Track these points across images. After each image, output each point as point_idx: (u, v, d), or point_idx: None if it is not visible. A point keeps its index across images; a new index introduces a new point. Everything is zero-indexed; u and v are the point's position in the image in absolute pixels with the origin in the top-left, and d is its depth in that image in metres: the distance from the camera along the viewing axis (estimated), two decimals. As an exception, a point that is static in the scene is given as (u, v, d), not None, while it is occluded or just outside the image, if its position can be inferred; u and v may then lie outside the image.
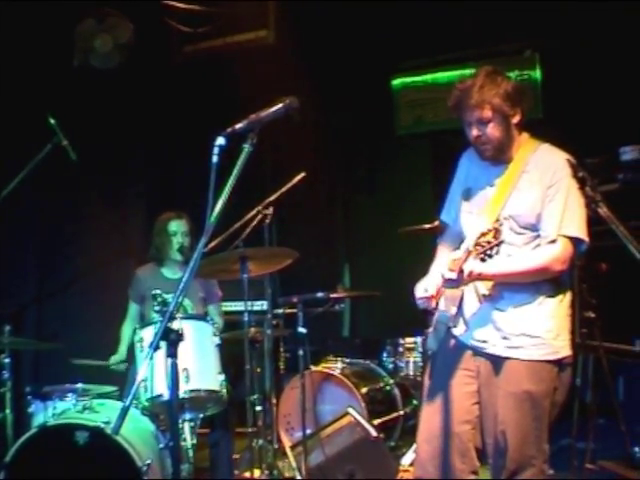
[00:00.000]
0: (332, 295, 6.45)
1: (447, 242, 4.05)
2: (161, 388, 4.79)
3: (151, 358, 3.02)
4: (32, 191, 6.41)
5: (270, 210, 5.58)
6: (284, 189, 5.65)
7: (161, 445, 5.00)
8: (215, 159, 3.05)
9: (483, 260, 3.44)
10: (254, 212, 5.57)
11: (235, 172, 3.08)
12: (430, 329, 3.93)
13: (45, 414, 5.07)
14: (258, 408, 5.47)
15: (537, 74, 7.53)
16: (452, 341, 3.87)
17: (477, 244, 3.43)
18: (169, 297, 5.45)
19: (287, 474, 5.79)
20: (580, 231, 3.64)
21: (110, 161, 7.43)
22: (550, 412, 3.71)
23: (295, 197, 5.61)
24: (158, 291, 5.58)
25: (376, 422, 5.99)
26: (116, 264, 7.23)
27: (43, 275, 7.35)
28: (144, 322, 5.61)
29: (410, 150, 8.26)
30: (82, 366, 5.72)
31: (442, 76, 7.94)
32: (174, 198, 7.27)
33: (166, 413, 5.00)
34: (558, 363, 3.70)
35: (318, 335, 6.65)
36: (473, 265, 3.51)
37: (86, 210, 7.46)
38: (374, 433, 5.40)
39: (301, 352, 5.86)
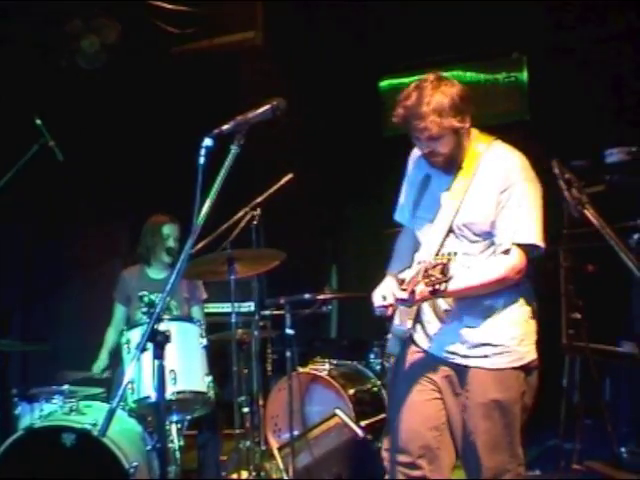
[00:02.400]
0: (319, 296, 6.44)
1: (404, 243, 3.98)
2: (148, 390, 4.79)
3: (138, 360, 3.01)
4: (18, 192, 6.39)
5: (257, 211, 5.59)
6: (271, 190, 5.65)
7: (148, 447, 4.99)
8: (202, 160, 3.05)
9: (433, 293, 3.32)
10: (241, 213, 5.58)
11: (222, 173, 3.08)
12: (390, 335, 3.85)
13: (32, 416, 5.07)
14: (245, 410, 5.47)
15: (524, 76, 7.55)
16: (414, 350, 3.79)
17: (426, 274, 3.30)
18: (155, 297, 5.46)
19: (274, 475, 5.79)
20: (535, 237, 3.57)
21: (96, 161, 7.41)
22: (520, 416, 3.67)
23: (282, 198, 5.61)
24: (145, 292, 5.59)
25: (364, 423, 5.98)
26: (102, 265, 7.22)
27: (29, 277, 7.34)
28: (131, 324, 5.60)
29: (397, 151, 8.26)
30: (69, 372, 5.70)
31: (429, 78, 7.94)
32: (160, 199, 7.25)
33: (153, 415, 4.99)
34: (524, 368, 3.67)
35: (305, 336, 6.66)
36: (425, 288, 3.38)
37: (72, 211, 7.45)
38: (362, 434, 5.40)
39: (288, 353, 5.85)
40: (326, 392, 6.22)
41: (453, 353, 3.66)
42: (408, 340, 3.79)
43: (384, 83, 8.20)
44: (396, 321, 3.75)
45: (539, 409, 6.57)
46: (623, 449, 5.50)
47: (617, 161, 5.55)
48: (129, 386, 4.86)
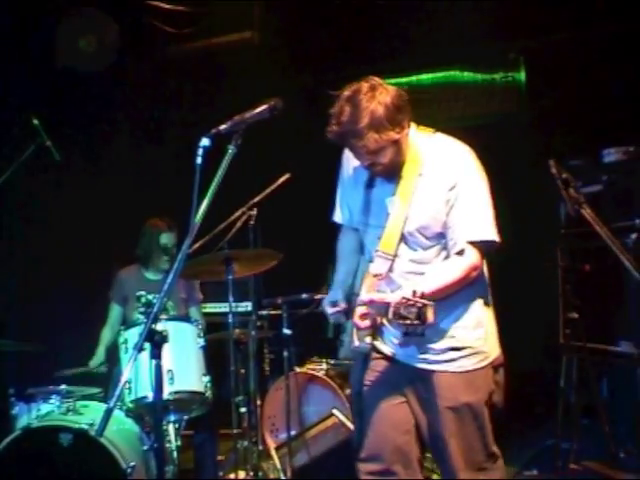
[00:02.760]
0: (317, 296, 6.43)
1: (348, 245, 3.89)
2: (145, 390, 4.79)
3: (135, 360, 3.01)
4: (15, 192, 6.39)
5: (255, 211, 5.59)
6: (269, 190, 5.65)
7: (145, 447, 4.99)
8: (199, 160, 3.05)
9: (406, 335, 3.20)
10: (239, 213, 5.58)
11: (219, 173, 3.09)
12: (345, 337, 3.72)
13: (29, 416, 5.06)
14: (243, 410, 5.47)
15: (521, 76, 7.56)
16: (376, 356, 3.69)
17: (397, 313, 3.13)
18: (152, 298, 5.45)
19: (272, 475, 5.79)
20: (489, 233, 3.46)
21: (92, 161, 7.41)
22: (490, 414, 3.60)
23: (279, 198, 5.61)
24: (142, 292, 5.58)
25: (361, 423, 5.99)
26: (98, 265, 7.20)
27: (26, 276, 7.32)
28: (128, 323, 5.60)
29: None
30: (67, 370, 5.69)
31: (426, 77, 7.96)
32: (159, 199, 7.24)
33: (151, 414, 4.99)
34: (491, 366, 3.60)
35: (303, 336, 6.65)
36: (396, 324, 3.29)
37: (68, 211, 7.43)
38: (359, 434, 5.40)
39: (286, 353, 5.87)
40: (323, 392, 6.22)
41: (419, 359, 3.57)
42: (372, 350, 3.69)
43: (381, 83, 8.19)
44: (355, 343, 3.60)
45: (536, 409, 6.60)
46: (620, 449, 5.50)
47: (614, 161, 5.55)
48: (126, 386, 4.86)
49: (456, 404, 3.52)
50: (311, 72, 7.73)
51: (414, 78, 8.06)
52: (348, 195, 3.80)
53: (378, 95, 3.34)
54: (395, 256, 3.52)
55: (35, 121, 5.64)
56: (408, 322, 3.10)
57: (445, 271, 3.46)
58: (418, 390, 3.61)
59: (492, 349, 3.62)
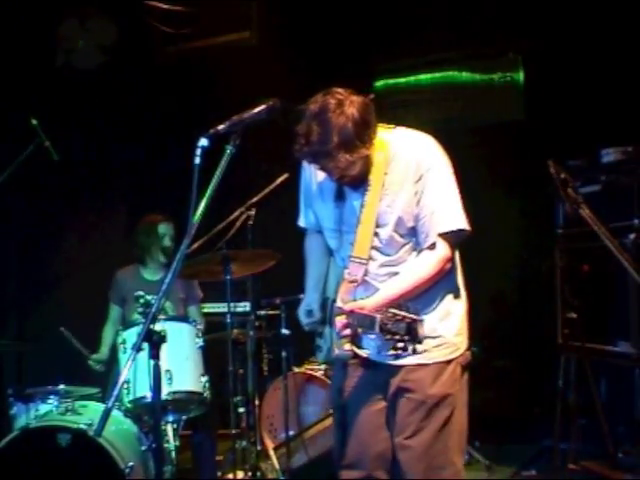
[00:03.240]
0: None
1: (317, 249, 3.86)
2: (144, 390, 4.78)
3: (134, 360, 3.01)
4: (13, 192, 6.39)
5: (253, 211, 5.58)
6: (267, 190, 5.65)
7: (144, 447, 4.97)
8: (197, 160, 3.05)
9: (395, 349, 3.13)
10: (237, 213, 5.57)
11: (218, 173, 3.09)
12: (322, 343, 3.70)
13: (27, 416, 5.05)
14: (241, 410, 5.47)
15: (520, 76, 7.55)
16: (353, 362, 3.65)
17: (384, 326, 3.09)
18: (151, 298, 5.45)
19: (270, 475, 5.79)
20: (459, 222, 3.43)
21: (90, 162, 7.41)
22: (460, 415, 3.55)
23: (278, 198, 5.60)
24: (141, 292, 5.57)
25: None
26: (97, 265, 7.21)
27: (25, 276, 7.32)
28: (127, 324, 5.59)
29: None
30: (67, 341, 5.68)
31: (425, 78, 7.95)
32: (155, 199, 7.25)
33: (149, 415, 4.99)
34: (459, 363, 3.55)
35: (301, 336, 6.66)
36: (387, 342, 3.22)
37: (67, 211, 7.44)
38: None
39: (284, 353, 5.87)
40: (321, 392, 6.22)
41: (390, 356, 3.43)
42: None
43: (380, 83, 8.19)
44: (335, 351, 3.56)
45: (535, 409, 6.59)
46: (619, 449, 5.50)
47: (613, 161, 5.55)
48: (125, 386, 4.85)
49: (422, 397, 3.48)
50: (310, 72, 7.72)
51: (413, 78, 8.05)
52: (314, 204, 3.76)
53: (346, 110, 3.28)
54: (369, 259, 3.50)
55: (34, 121, 5.64)
56: (397, 337, 3.07)
57: (419, 268, 3.46)
58: (391, 388, 3.56)
59: (462, 343, 3.58)
